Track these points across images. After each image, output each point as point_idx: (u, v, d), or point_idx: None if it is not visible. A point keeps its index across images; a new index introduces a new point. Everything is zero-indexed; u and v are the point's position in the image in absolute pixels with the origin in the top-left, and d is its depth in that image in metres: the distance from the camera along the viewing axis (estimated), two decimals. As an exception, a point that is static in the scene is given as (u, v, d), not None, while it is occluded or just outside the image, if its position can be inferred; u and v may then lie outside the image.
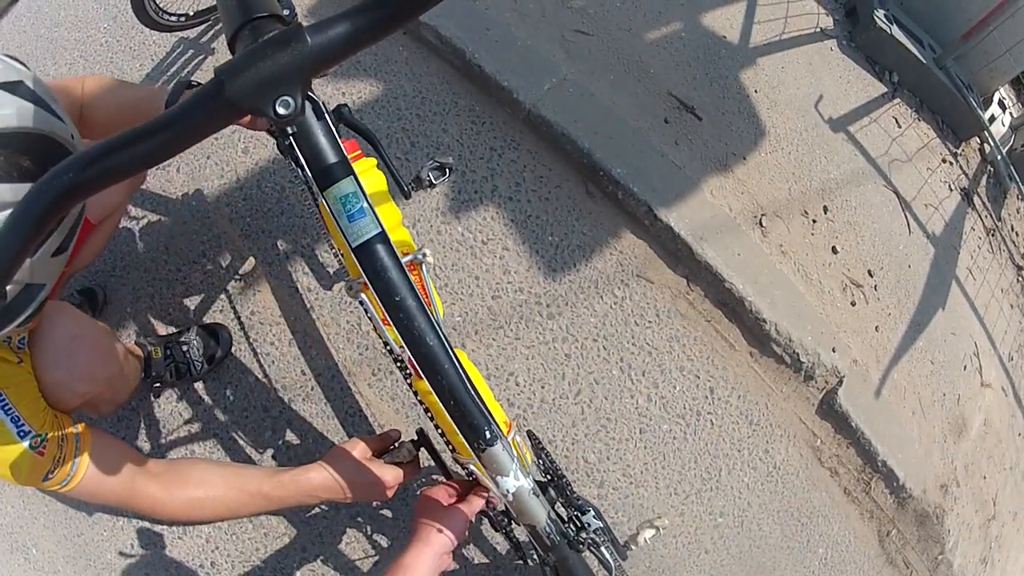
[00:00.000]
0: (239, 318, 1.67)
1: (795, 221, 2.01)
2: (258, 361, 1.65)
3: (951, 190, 2.62)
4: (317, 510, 1.60)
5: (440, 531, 1.09)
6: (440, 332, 0.89)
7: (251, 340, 1.66)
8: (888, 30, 2.72)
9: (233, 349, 1.64)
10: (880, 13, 2.76)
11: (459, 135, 1.83)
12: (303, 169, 0.89)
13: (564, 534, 1.03)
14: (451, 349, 0.89)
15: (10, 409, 1.06)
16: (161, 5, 1.74)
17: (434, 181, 1.74)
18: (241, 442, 1.61)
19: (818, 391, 1.85)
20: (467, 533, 1.21)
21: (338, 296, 1.69)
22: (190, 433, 1.64)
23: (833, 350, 1.85)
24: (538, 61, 1.92)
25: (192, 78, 1.26)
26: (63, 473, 1.08)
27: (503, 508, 1.16)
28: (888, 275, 2.15)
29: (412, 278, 0.89)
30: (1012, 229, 2.90)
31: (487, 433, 0.91)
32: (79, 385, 1.14)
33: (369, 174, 1.09)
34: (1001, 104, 3.25)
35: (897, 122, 2.59)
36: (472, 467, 1.05)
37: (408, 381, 1.14)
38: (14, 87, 0.82)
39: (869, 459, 1.87)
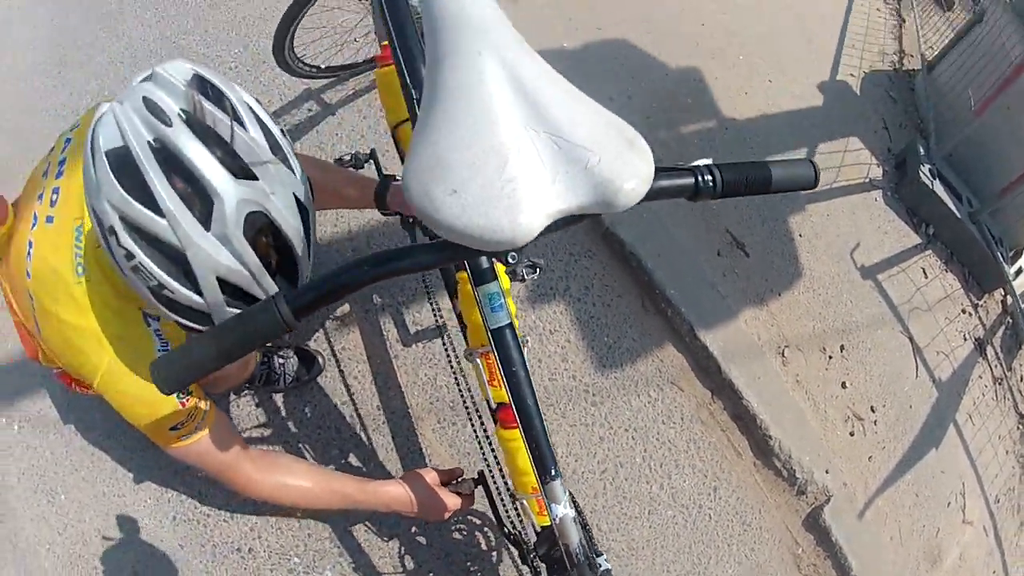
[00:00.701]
0: (332, 349, 2.04)
1: (813, 355, 2.34)
2: (340, 389, 2.01)
3: (965, 339, 2.89)
4: (360, 525, 1.92)
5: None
6: (535, 394, 1.22)
7: (339, 369, 2.03)
8: (930, 185, 3.03)
9: (319, 377, 2.01)
10: (926, 168, 3.08)
11: (546, 238, 2.21)
12: (465, 267, 1.23)
13: (588, 557, 1.32)
14: (539, 406, 1.24)
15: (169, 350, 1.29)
16: (298, 53, 2.08)
17: (525, 277, 2.11)
18: (308, 454, 1.95)
19: (807, 505, 2.17)
20: (440, 516, 1.53)
21: (421, 352, 2.06)
22: (261, 436, 1.95)
23: (826, 471, 2.17)
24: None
25: (394, 175, 1.57)
26: (188, 428, 1.28)
27: (511, 533, 1.51)
28: (889, 412, 2.45)
29: None
30: (1021, 379, 3.16)
31: (553, 470, 1.22)
32: None
33: (501, 273, 1.45)
34: None
35: (924, 272, 2.89)
36: (524, 501, 1.37)
37: (483, 430, 1.50)
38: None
39: (843, 573, 2.18)
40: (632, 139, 0.77)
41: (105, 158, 0.88)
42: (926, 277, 2.89)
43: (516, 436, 1.27)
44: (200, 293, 0.93)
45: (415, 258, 0.80)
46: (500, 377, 1.22)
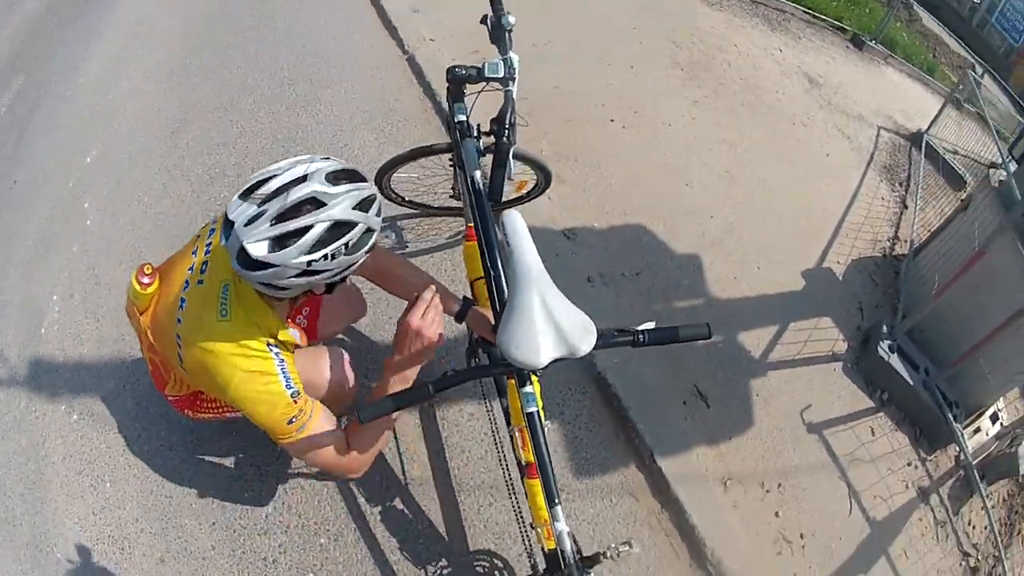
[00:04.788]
0: (394, 432, 2.79)
1: (752, 488, 3.05)
2: (397, 459, 2.74)
3: (907, 487, 3.46)
4: (384, 548, 2.50)
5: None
6: (549, 456, 1.87)
7: (397, 445, 2.76)
8: (887, 358, 3.72)
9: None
10: (885, 344, 3.77)
11: (551, 371, 3.02)
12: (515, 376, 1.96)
13: (578, 566, 1.84)
14: (550, 464, 1.88)
15: (285, 368, 1.77)
16: (393, 185, 2.98)
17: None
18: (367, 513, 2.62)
19: (733, 606, 2.85)
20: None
21: (468, 431, 2.85)
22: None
23: (750, 580, 2.87)
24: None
25: (474, 301, 2.22)
26: (301, 421, 1.77)
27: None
28: (818, 541, 3.05)
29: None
30: (969, 523, 3.60)
31: (556, 500, 1.82)
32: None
33: (534, 380, 1.97)
34: (993, 417, 4.09)
35: (872, 431, 3.55)
36: (539, 529, 1.95)
37: (518, 478, 2.19)
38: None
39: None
40: (587, 326, 1.67)
41: None
42: (873, 435, 3.54)
43: (537, 483, 1.91)
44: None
45: (488, 371, 2.10)
46: (529, 444, 1.90)
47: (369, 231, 1.60)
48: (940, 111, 6.17)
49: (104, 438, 2.65)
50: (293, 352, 1.88)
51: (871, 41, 7.94)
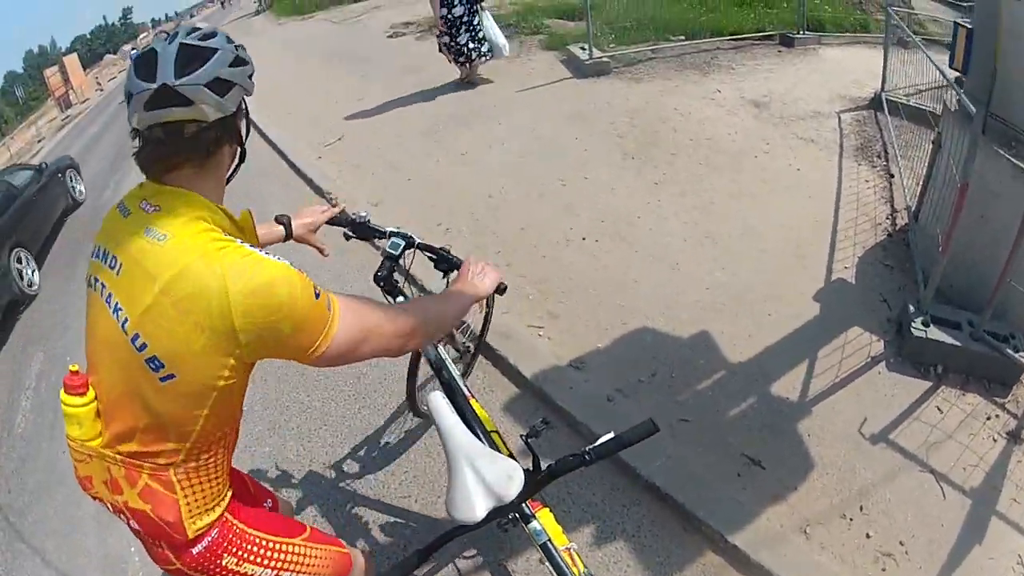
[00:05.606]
0: None
1: (834, 523, 3.22)
2: None
3: (995, 440, 3.47)
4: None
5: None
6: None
7: None
8: (925, 335, 3.80)
9: None
10: (918, 322, 3.87)
11: (602, 496, 3.39)
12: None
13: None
14: None
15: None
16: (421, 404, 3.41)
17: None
18: None
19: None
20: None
21: None
22: None
23: (865, 608, 3.03)
24: (650, 443, 3.52)
25: None
26: (323, 295, 1.52)
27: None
28: (918, 541, 3.09)
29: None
30: None
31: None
32: None
33: (547, 516, 2.27)
34: None
35: (939, 409, 3.62)
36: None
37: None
38: None
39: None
40: (511, 473, 2.00)
41: None
42: (941, 412, 3.61)
43: None
44: None
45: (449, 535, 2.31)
46: (574, 565, 2.15)
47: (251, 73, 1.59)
48: (884, 63, 6.30)
49: None
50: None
51: (799, 33, 8.22)
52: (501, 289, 2.33)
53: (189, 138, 1.47)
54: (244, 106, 1.61)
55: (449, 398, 2.30)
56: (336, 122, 8.86)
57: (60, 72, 50.26)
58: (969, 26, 4.28)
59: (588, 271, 4.89)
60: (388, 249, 2.62)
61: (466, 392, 2.49)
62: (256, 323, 1.41)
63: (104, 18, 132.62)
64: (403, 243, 2.62)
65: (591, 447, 1.98)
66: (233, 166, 1.69)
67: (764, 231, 5.00)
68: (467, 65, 8.97)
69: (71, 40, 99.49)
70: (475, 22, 8.53)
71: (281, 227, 2.37)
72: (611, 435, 2.01)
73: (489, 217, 5.79)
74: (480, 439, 2.18)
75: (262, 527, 1.81)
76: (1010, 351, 3.71)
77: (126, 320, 1.44)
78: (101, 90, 42.03)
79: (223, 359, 1.43)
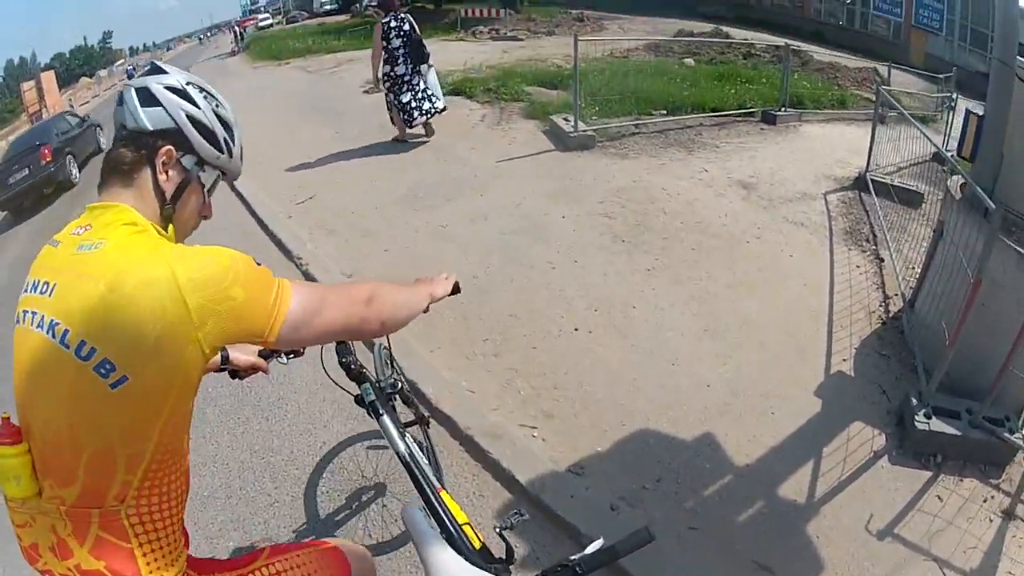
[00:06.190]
0: None
1: (847, 623, 3.37)
2: None
3: (991, 520, 3.62)
4: None
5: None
6: None
7: None
8: (928, 427, 3.97)
9: None
10: (921, 414, 4.03)
11: None
12: None
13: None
14: None
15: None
16: None
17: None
18: None
19: None
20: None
21: None
22: None
23: None
24: (659, 554, 3.47)
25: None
26: (280, 290, 1.50)
27: None
28: None
29: None
30: None
31: None
32: None
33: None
34: None
35: (939, 498, 3.76)
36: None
37: None
38: None
39: None
40: None
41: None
42: (941, 501, 3.75)
43: None
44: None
45: None
46: None
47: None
48: (871, 144, 6.56)
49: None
50: None
51: (779, 109, 8.55)
52: (456, 289, 2.35)
53: (118, 149, 1.59)
54: (197, 158, 1.67)
55: (419, 490, 2.23)
56: (308, 178, 8.60)
57: (36, 88, 50.94)
58: (980, 113, 4.47)
59: (583, 366, 4.77)
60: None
61: (436, 485, 2.34)
62: (209, 297, 1.37)
63: (84, 39, 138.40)
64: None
65: (580, 557, 1.81)
66: (190, 211, 1.71)
67: (762, 323, 5.17)
68: (409, 125, 9.13)
69: (51, 56, 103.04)
70: (415, 81, 8.77)
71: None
72: (600, 542, 1.86)
73: (474, 301, 5.54)
74: (454, 535, 2.05)
75: (221, 568, 1.75)
76: (1007, 435, 3.86)
77: (66, 332, 1.35)
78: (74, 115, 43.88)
79: (180, 349, 1.37)
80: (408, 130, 9.51)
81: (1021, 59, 4.07)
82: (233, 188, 8.44)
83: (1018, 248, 3.89)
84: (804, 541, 3.69)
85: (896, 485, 3.90)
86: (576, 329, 5.15)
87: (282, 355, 2.56)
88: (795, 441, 4.24)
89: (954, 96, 10.24)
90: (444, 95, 9.94)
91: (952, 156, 4.72)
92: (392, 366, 2.70)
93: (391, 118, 9.37)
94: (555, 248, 6.22)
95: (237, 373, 2.44)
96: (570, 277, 5.78)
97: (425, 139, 9.61)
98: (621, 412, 4.39)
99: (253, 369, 2.47)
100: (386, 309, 1.77)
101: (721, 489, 4.01)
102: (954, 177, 4.63)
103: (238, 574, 1.72)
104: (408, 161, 8.85)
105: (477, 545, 2.08)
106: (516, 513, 2.00)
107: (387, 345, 2.67)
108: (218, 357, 2.30)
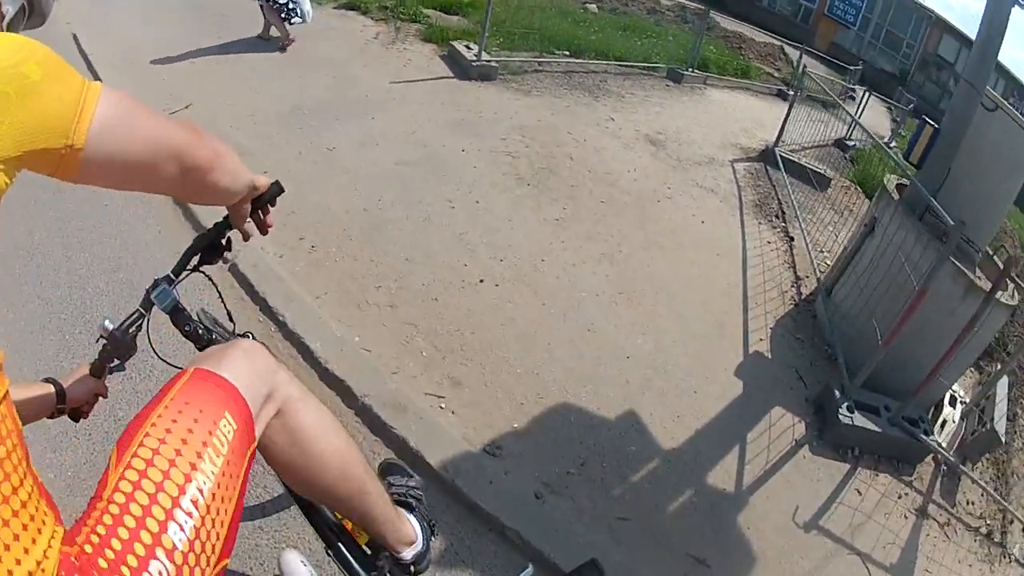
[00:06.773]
0: None
1: (782, 617, 3.30)
2: None
3: (906, 517, 3.77)
4: None
5: None
6: None
7: None
8: (851, 421, 4.01)
9: None
10: (843, 408, 4.06)
11: None
12: None
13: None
14: None
15: None
16: None
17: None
18: None
19: None
20: None
21: None
22: None
23: None
24: (595, 549, 3.25)
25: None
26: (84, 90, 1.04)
27: None
28: None
29: None
30: (968, 502, 3.92)
31: None
32: None
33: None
34: (952, 401, 4.36)
35: (859, 492, 3.84)
36: None
37: None
38: None
39: None
40: None
41: None
42: (860, 495, 3.83)
43: None
44: None
45: None
46: None
47: None
48: (785, 120, 6.62)
49: None
50: None
51: (688, 69, 8.56)
52: (279, 189, 1.71)
53: None
54: None
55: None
56: (184, 86, 7.36)
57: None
58: (936, 126, 4.55)
59: (491, 325, 4.32)
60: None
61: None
62: None
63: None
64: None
65: None
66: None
67: (678, 291, 5.00)
68: (284, 25, 8.17)
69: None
70: None
71: (50, 386, 1.78)
72: (531, 569, 1.83)
73: (365, 238, 4.88)
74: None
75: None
76: (923, 435, 3.97)
77: None
78: None
79: None
80: (268, 31, 8.41)
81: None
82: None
83: (962, 267, 4.03)
84: (736, 532, 3.60)
85: (818, 476, 3.92)
86: (481, 281, 4.68)
87: (114, 360, 1.80)
88: (719, 424, 4.13)
89: (858, 89, 10.89)
90: (336, 8, 9.16)
91: (893, 148, 4.81)
92: (231, 318, 2.00)
93: (265, 16, 8.21)
94: (454, 185, 5.70)
95: (77, 411, 1.89)
96: (471, 219, 5.29)
97: (289, 45, 8.43)
98: (537, 383, 3.99)
99: (94, 397, 1.91)
100: (217, 143, 1.44)
101: (649, 475, 3.80)
102: (891, 176, 4.71)
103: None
104: (293, 74, 7.81)
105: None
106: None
107: (219, 294, 1.95)
108: (53, 398, 1.76)
